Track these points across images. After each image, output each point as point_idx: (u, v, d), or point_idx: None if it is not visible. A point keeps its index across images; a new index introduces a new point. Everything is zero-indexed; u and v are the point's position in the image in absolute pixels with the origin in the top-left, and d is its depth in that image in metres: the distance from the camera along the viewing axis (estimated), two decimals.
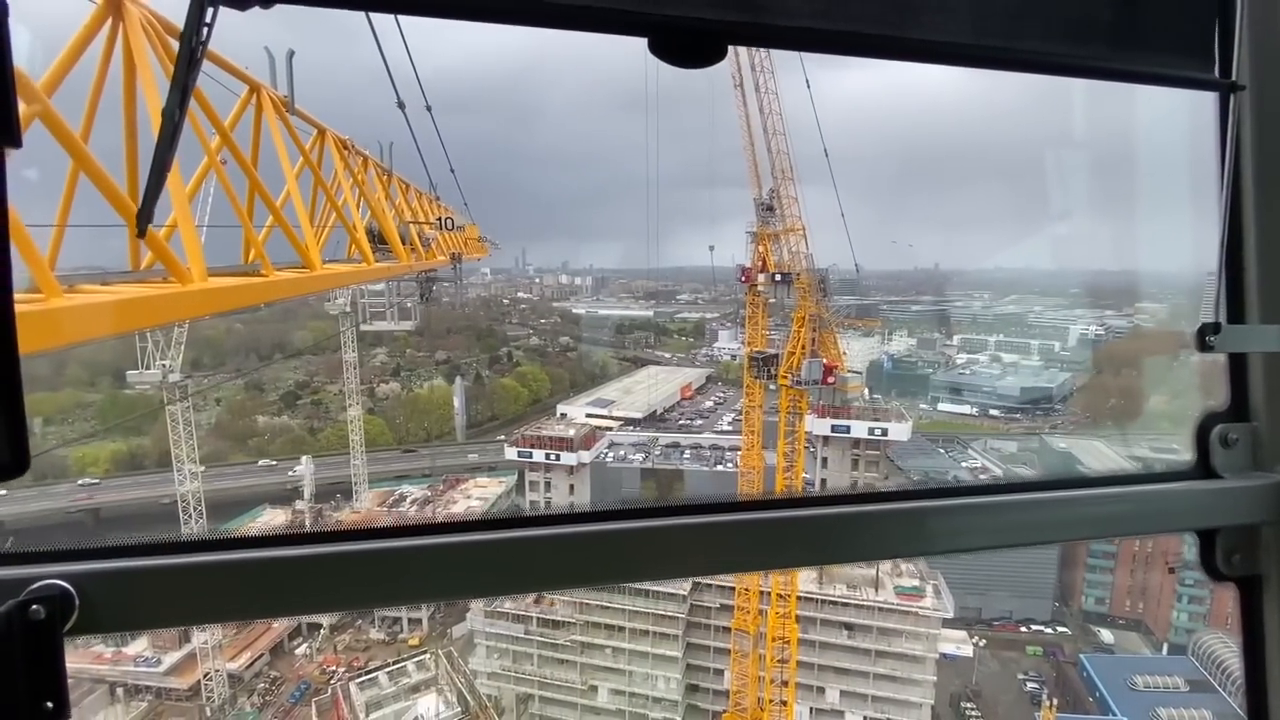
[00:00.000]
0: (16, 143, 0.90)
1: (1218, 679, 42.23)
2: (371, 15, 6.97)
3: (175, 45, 5.60)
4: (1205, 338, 1.91)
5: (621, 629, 44.41)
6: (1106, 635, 54.59)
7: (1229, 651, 43.77)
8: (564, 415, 70.24)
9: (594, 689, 45.27)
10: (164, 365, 45.66)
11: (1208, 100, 1.95)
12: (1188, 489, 2.05)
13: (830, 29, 1.43)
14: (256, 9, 1.59)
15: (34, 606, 1.25)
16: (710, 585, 44.28)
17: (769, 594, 40.88)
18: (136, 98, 5.48)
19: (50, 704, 1.24)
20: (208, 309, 6.27)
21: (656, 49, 1.35)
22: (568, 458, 52.53)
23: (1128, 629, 55.30)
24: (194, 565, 1.45)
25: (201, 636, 45.92)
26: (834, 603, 42.69)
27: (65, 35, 5.01)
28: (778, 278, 41.50)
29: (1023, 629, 54.86)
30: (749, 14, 1.38)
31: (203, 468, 50.28)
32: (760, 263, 41.80)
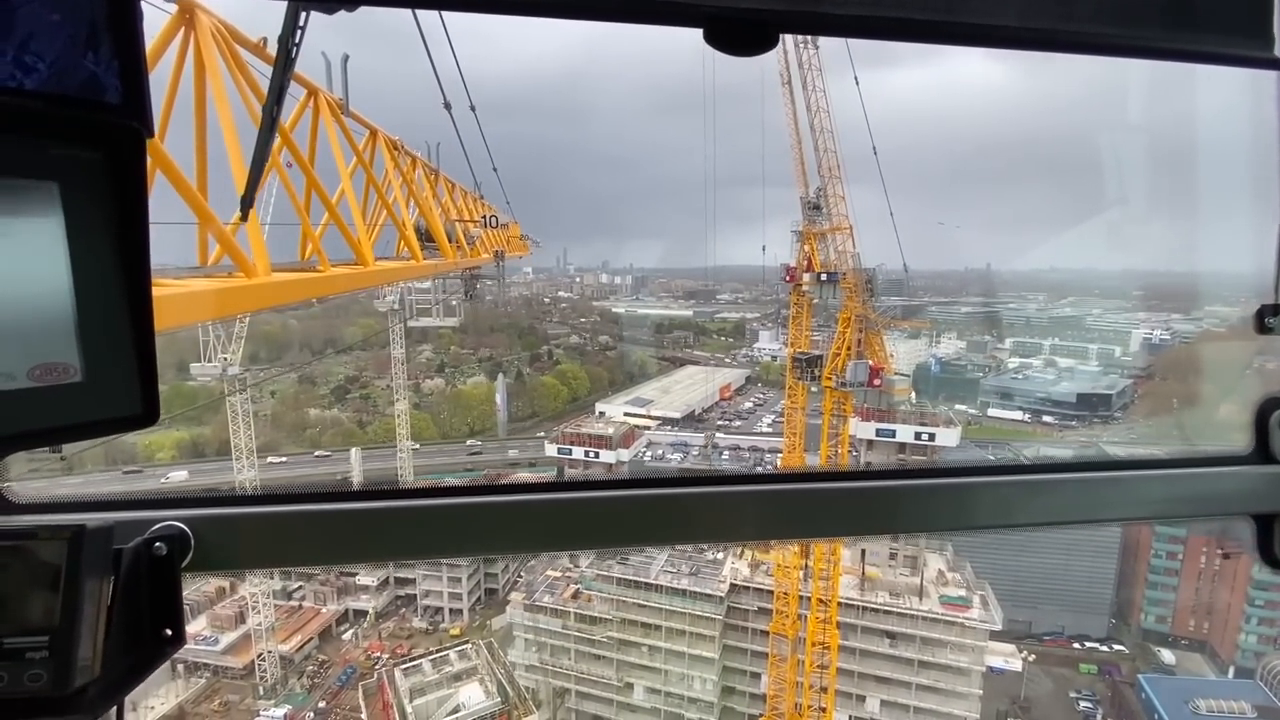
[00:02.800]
0: (151, 132, 0.99)
1: None
2: (422, 25, 7.20)
3: (243, 53, 5.90)
4: (1265, 319, 1.92)
5: (658, 628, 44.45)
6: (1167, 655, 51.78)
7: None
8: (603, 414, 70.67)
9: (630, 686, 45.44)
10: (224, 359, 47.69)
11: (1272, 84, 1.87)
12: (1246, 473, 2.01)
13: (880, 15, 1.45)
14: (342, 12, 1.71)
15: (157, 544, 1.39)
16: (748, 588, 43.92)
17: (808, 599, 40.30)
18: (207, 101, 5.78)
19: (169, 631, 1.37)
20: (274, 301, 6.62)
21: (711, 39, 1.40)
22: (606, 455, 52.84)
23: (1190, 649, 52.38)
24: (292, 514, 1.60)
25: (255, 619, 48.00)
26: (876, 610, 41.78)
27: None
28: (823, 277, 40.81)
29: (1076, 645, 52.54)
30: (799, 3, 1.42)
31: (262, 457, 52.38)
32: (806, 262, 41.18)
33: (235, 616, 48.81)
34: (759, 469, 62.73)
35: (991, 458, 62.41)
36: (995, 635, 42.64)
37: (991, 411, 75.44)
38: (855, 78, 36.12)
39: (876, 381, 41.11)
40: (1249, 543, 2.08)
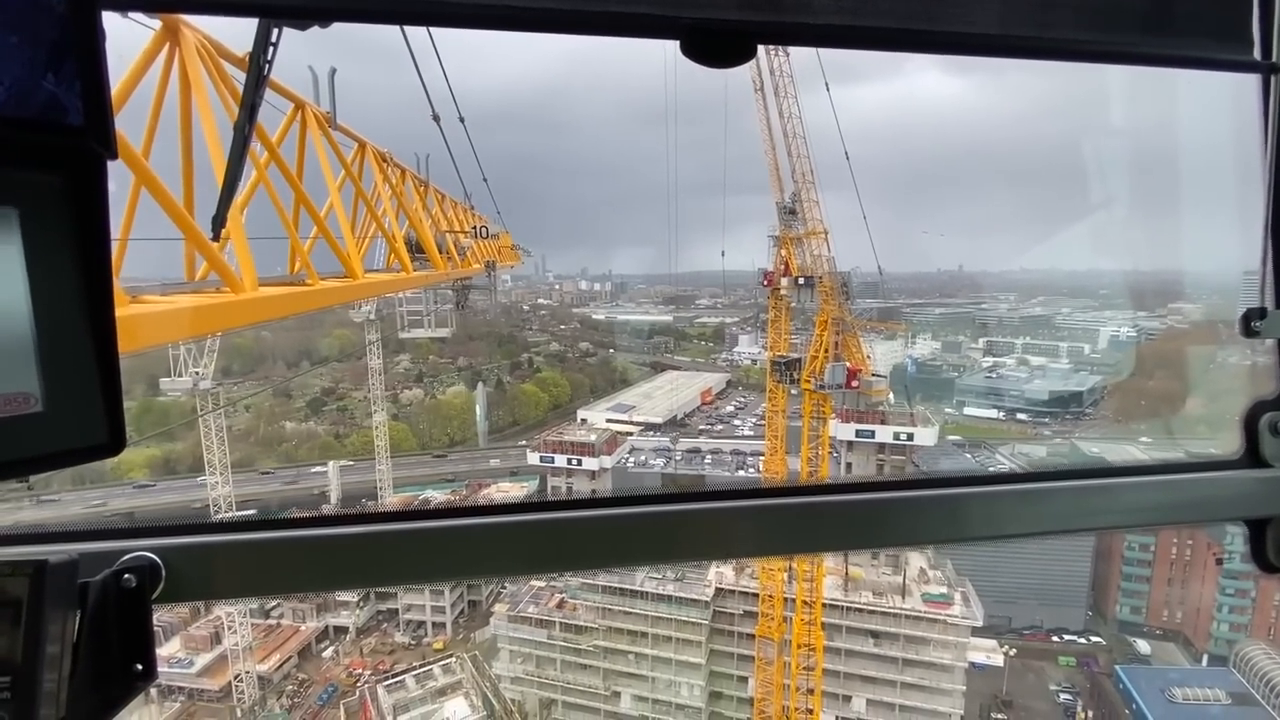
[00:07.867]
0: (114, 154, 0.97)
1: (1261, 691, 40.86)
2: (409, 39, 7.21)
3: (229, 68, 5.85)
4: (1251, 323, 1.86)
5: (644, 635, 44.32)
6: (1143, 645, 53.04)
7: (1272, 663, 42.33)
8: (584, 420, 70.50)
9: (616, 695, 45.22)
10: (196, 373, 46.67)
11: (1226, 89, 1.84)
12: (1237, 477, 1.99)
13: (857, 25, 1.43)
14: (315, 29, 1.69)
15: (126, 576, 1.34)
16: (734, 592, 44.03)
17: (793, 601, 40.54)
18: (192, 117, 5.72)
19: (140, 666, 1.32)
20: (261, 316, 6.48)
21: (689, 51, 1.38)
22: (589, 463, 52.72)
23: (1165, 639, 53.72)
24: (268, 541, 1.54)
25: (232, 639, 46.85)
26: (860, 610, 42.16)
27: (126, 58, 5.24)
28: (800, 281, 41.29)
29: (1054, 639, 53.56)
30: (777, 13, 1.40)
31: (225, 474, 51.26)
32: (783, 266, 41.64)
33: (210, 637, 47.57)
34: (740, 472, 63.14)
35: (969, 456, 63.57)
36: (976, 631, 43.28)
37: (967, 410, 76.80)
38: (826, 85, 36.90)
39: (854, 383, 41.66)
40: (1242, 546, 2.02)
